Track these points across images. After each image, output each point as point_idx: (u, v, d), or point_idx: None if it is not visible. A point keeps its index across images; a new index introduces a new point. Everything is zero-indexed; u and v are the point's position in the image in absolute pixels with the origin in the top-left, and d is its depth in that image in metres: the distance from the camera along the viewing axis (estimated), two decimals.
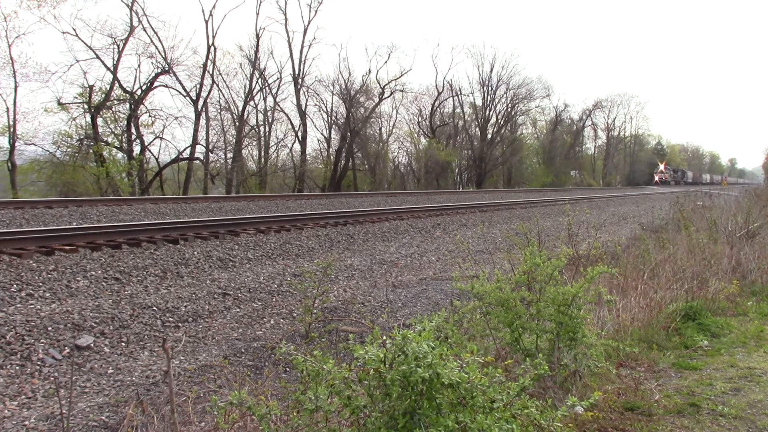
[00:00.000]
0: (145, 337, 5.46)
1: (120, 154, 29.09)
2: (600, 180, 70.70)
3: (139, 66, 29.63)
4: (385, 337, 2.27)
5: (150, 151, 30.55)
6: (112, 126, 29.07)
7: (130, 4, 28.23)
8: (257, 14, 39.23)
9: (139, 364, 4.90)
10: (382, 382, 2.16)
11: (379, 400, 2.20)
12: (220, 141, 34.68)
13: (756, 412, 3.65)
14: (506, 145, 53.18)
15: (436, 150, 43.72)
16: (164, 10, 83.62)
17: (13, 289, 6.07)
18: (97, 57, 27.56)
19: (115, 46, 28.09)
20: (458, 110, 50.92)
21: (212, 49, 31.88)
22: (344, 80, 40.08)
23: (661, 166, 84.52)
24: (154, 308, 6.06)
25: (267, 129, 37.40)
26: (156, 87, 30.18)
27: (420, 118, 49.15)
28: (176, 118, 31.22)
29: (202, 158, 32.10)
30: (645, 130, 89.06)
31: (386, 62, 55.04)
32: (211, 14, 34.16)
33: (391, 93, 43.02)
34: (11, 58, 24.95)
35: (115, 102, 28.81)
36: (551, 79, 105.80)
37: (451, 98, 49.41)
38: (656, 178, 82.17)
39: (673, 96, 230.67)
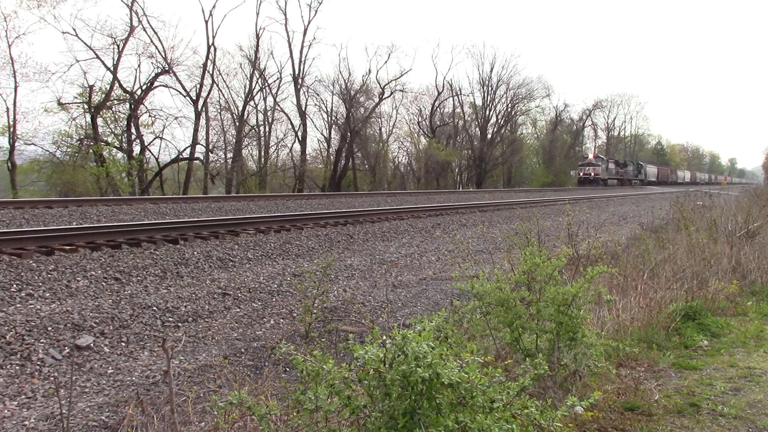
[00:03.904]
0: (145, 337, 5.46)
1: (120, 154, 29.12)
2: None
3: (139, 66, 29.67)
4: (385, 337, 2.27)
5: (150, 151, 30.59)
6: (112, 126, 29.10)
7: (130, 4, 28.25)
8: (257, 14, 39.24)
9: (139, 364, 4.90)
10: (382, 382, 2.16)
11: (379, 400, 2.20)
12: (220, 141, 34.74)
13: (756, 412, 3.65)
14: (506, 145, 53.16)
15: (436, 150, 43.71)
16: (164, 10, 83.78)
17: (13, 289, 6.07)
18: (97, 57, 27.60)
19: (115, 46, 28.11)
20: (458, 110, 50.97)
21: (212, 49, 31.92)
22: (344, 80, 40.12)
23: (590, 156, 56.07)
24: (154, 308, 6.06)
25: (267, 129, 37.43)
26: (156, 87, 30.22)
27: (420, 118, 49.21)
28: (176, 118, 31.27)
29: (202, 158, 32.11)
30: (645, 130, 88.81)
31: (386, 62, 54.97)
32: (211, 14, 34.15)
33: (391, 93, 43.06)
34: (11, 58, 24.99)
35: (115, 102, 28.83)
36: (551, 79, 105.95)
37: (451, 98, 49.46)
38: (580, 174, 54.37)
39: (673, 96, 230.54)
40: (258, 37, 34.87)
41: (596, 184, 53.00)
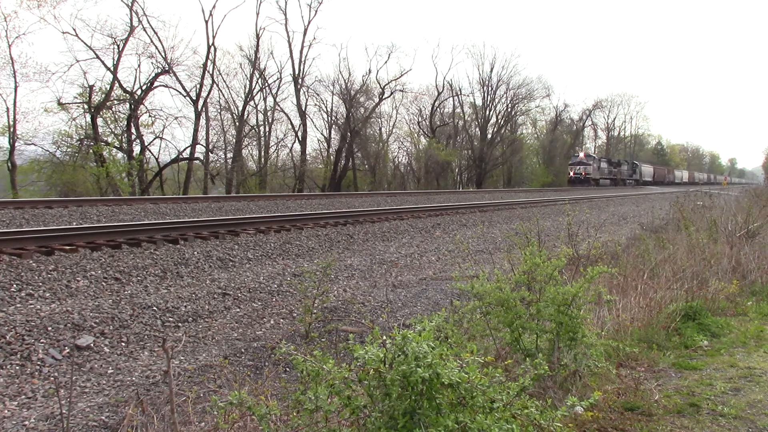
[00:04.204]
0: (145, 337, 5.46)
1: (120, 154, 29.12)
2: None
3: (139, 66, 29.67)
4: (385, 337, 2.27)
5: (150, 151, 30.59)
6: (112, 126, 29.10)
7: (130, 4, 28.25)
8: (257, 14, 39.21)
9: (139, 364, 4.90)
10: (382, 382, 2.16)
11: (379, 400, 2.20)
12: (220, 141, 34.74)
13: (756, 412, 3.65)
14: (506, 145, 53.16)
15: (436, 150, 43.72)
16: (164, 10, 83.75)
17: (13, 289, 6.07)
18: (97, 57, 27.59)
19: (115, 46, 28.11)
20: (458, 110, 50.97)
21: (212, 49, 31.91)
22: (344, 80, 40.13)
23: (581, 155, 53.47)
24: (154, 308, 6.06)
25: (267, 129, 37.43)
26: (156, 87, 30.21)
27: (420, 118, 49.21)
28: (176, 118, 31.27)
29: (202, 158, 32.11)
30: (645, 130, 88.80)
31: (386, 62, 55.05)
32: (211, 14, 34.13)
33: (391, 93, 43.06)
34: (11, 58, 24.99)
35: (115, 102, 28.82)
36: (551, 79, 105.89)
37: (451, 98, 49.47)
38: (570, 174, 52.07)
39: (673, 96, 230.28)
40: (258, 37, 34.91)
41: (587, 184, 50.48)
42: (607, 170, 55.76)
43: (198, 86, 31.53)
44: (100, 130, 27.83)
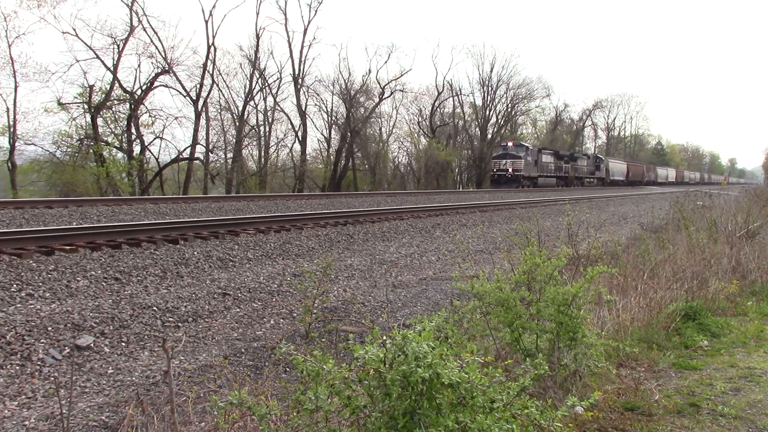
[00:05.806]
0: (145, 337, 5.46)
1: (120, 154, 29.13)
2: None
3: (139, 66, 29.69)
4: (385, 337, 2.27)
5: (150, 151, 30.61)
6: (112, 126, 29.11)
7: (130, 4, 28.26)
8: (257, 14, 39.18)
9: (139, 364, 4.90)
10: (382, 382, 2.16)
11: (379, 400, 2.20)
12: (220, 141, 34.78)
13: (756, 412, 3.65)
14: None
15: (436, 150, 43.71)
16: (164, 10, 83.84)
17: (13, 289, 6.07)
18: (97, 57, 27.61)
19: (115, 46, 28.14)
20: (458, 110, 50.99)
21: (212, 49, 31.93)
22: (344, 80, 40.16)
23: (508, 144, 39.83)
24: (154, 308, 6.06)
25: (267, 129, 37.44)
26: (156, 87, 30.25)
27: (420, 118, 49.22)
28: (176, 118, 31.30)
29: (202, 158, 32.13)
30: (645, 130, 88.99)
31: (386, 62, 55.12)
32: (211, 14, 34.13)
33: (391, 93, 43.09)
34: (11, 58, 25.02)
35: (115, 102, 28.83)
36: (551, 79, 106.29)
37: (451, 98, 49.49)
38: (493, 170, 39.36)
39: (673, 96, 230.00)
40: (258, 37, 34.93)
41: (516, 185, 36.51)
42: (553, 166, 42.60)
43: (198, 86, 31.57)
44: (100, 130, 27.85)
